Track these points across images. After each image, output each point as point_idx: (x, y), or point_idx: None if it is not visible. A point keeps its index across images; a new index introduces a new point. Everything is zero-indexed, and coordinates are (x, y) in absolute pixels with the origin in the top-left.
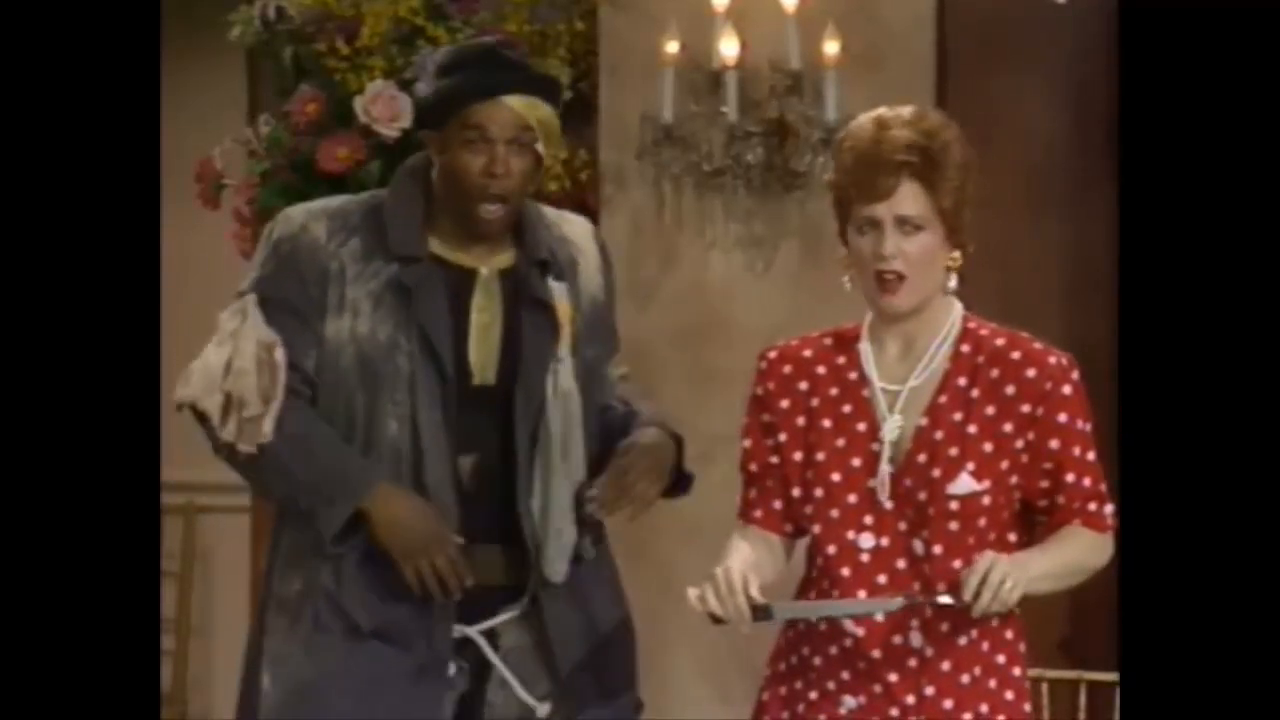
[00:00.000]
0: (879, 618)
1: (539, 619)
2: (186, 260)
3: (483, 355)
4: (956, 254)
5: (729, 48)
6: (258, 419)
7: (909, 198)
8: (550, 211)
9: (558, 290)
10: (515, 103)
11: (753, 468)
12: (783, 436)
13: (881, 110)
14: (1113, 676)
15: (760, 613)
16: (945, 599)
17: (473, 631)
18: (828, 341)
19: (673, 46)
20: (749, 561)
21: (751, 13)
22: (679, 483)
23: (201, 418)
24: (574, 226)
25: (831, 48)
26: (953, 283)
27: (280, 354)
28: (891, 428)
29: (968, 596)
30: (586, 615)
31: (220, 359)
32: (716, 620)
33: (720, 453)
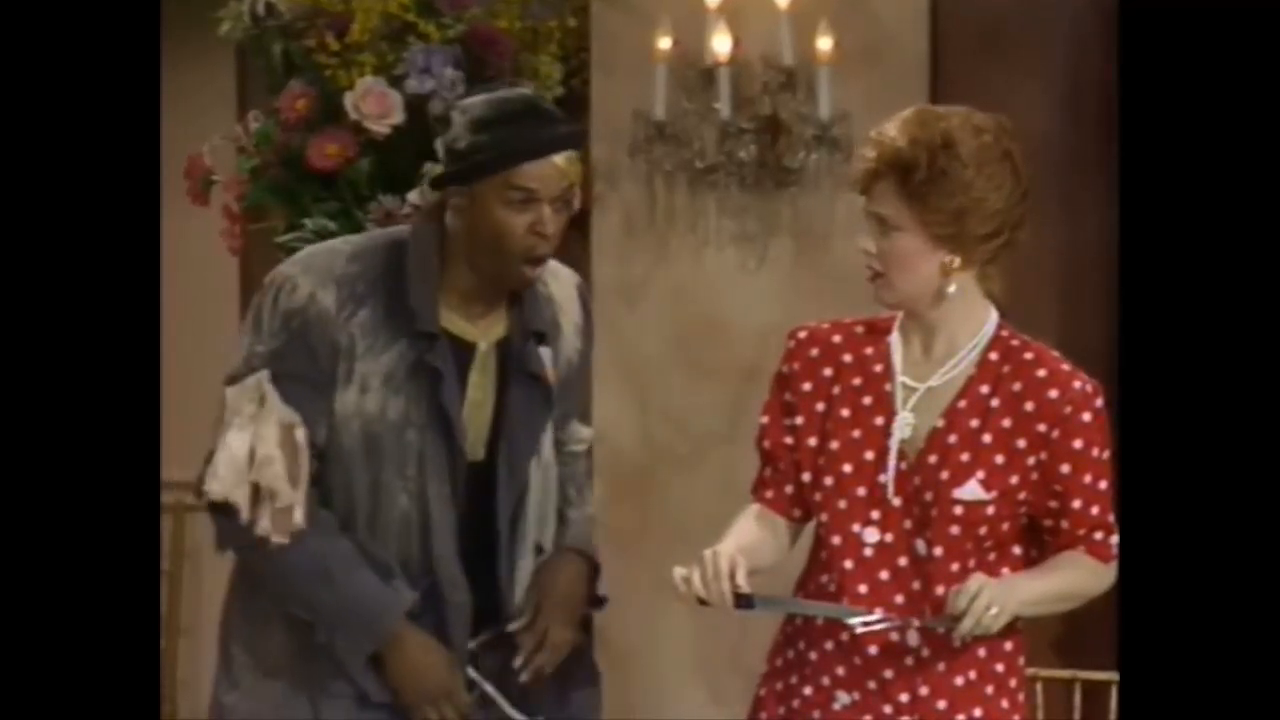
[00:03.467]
0: (857, 627)
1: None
2: (176, 256)
3: (475, 431)
4: (955, 260)
5: (722, 44)
6: (289, 509)
7: (879, 198)
8: None
9: (546, 357)
10: (560, 161)
11: (767, 445)
12: (800, 420)
13: (924, 105)
14: (1107, 675)
15: (743, 601)
16: (931, 623)
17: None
18: (859, 330)
19: (665, 43)
20: (747, 544)
21: (744, 9)
22: (595, 600)
23: (226, 510)
24: (560, 284)
25: (825, 44)
26: (951, 288)
27: (301, 434)
28: (902, 424)
29: (953, 614)
30: None
31: (243, 447)
32: (701, 602)
33: (712, 452)
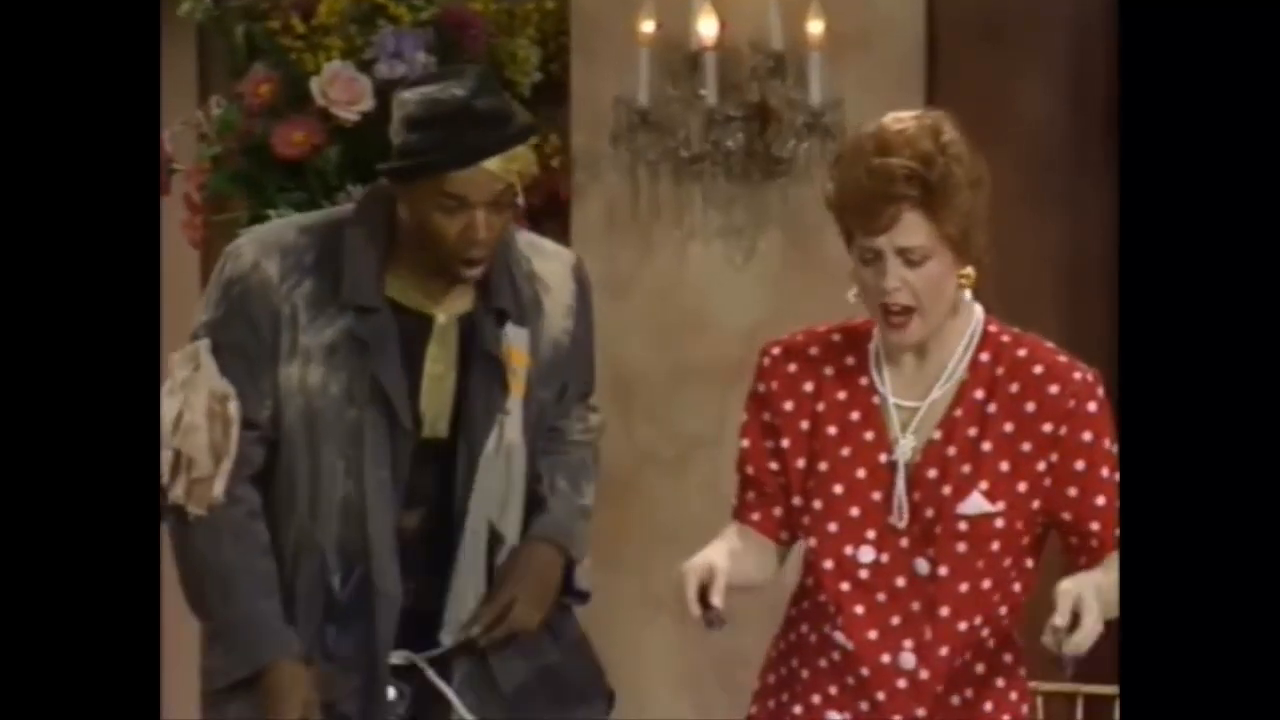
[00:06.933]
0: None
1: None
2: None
3: (435, 407)
4: (969, 270)
5: (707, 27)
6: (208, 480)
7: (910, 229)
8: (525, 243)
9: (516, 337)
10: (493, 165)
11: (750, 470)
12: (785, 442)
13: (884, 122)
14: (1110, 689)
15: (713, 620)
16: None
17: (418, 658)
18: (836, 338)
19: (648, 26)
20: (730, 555)
21: None
22: (574, 593)
23: None
24: (549, 261)
25: (815, 28)
26: (967, 297)
27: (234, 407)
28: (905, 449)
29: (1061, 627)
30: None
31: (171, 411)
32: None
33: (698, 455)
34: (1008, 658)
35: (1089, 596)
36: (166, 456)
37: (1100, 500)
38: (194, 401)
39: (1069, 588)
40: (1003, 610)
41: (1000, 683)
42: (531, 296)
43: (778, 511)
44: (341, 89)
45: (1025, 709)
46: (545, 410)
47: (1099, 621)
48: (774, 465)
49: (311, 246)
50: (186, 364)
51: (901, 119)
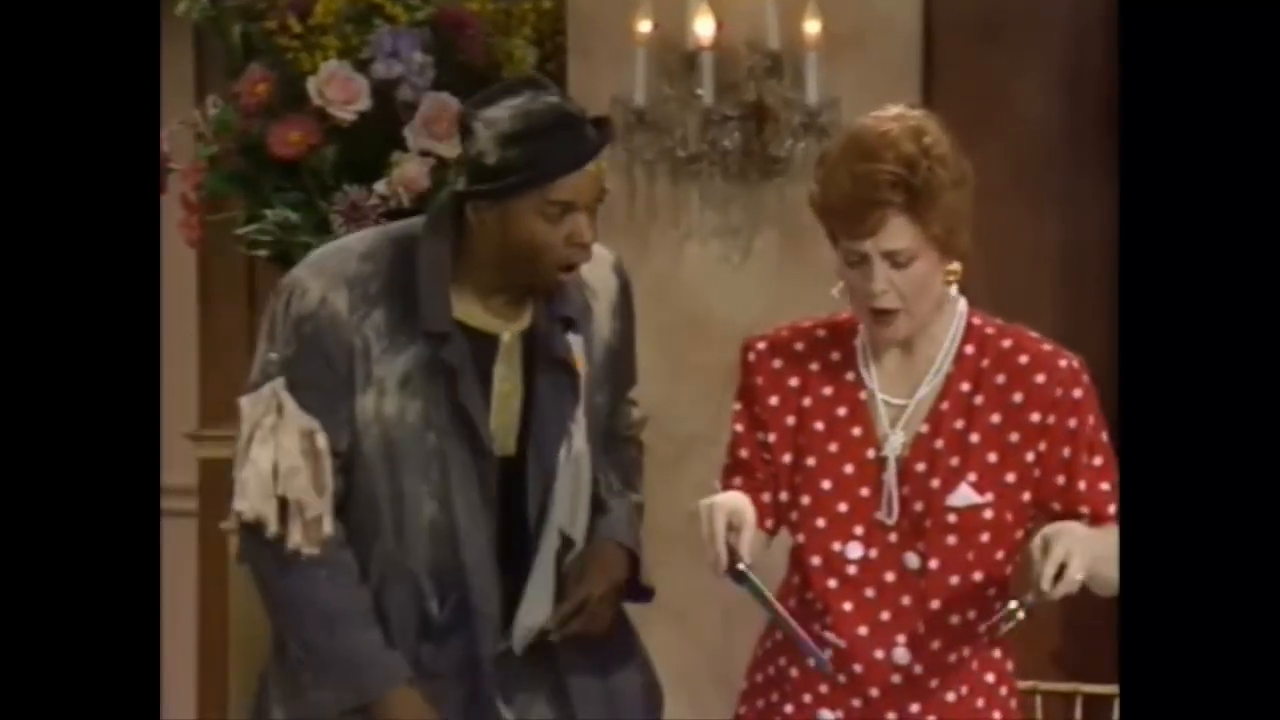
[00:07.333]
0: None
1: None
2: None
3: (504, 425)
4: (955, 265)
5: (704, 27)
6: (319, 518)
7: (895, 233)
8: None
9: (575, 344)
10: (593, 166)
11: (743, 454)
12: (772, 436)
13: (866, 124)
14: (1109, 689)
15: (736, 573)
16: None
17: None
18: (821, 333)
19: (645, 26)
20: (747, 508)
21: None
22: (636, 593)
23: (255, 527)
24: (592, 265)
25: (812, 27)
26: (953, 292)
27: (323, 440)
28: (895, 444)
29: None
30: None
31: (267, 461)
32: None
33: (696, 453)
34: (996, 653)
35: (1051, 531)
36: (271, 506)
37: (1082, 485)
38: (286, 444)
39: (1035, 540)
40: (996, 605)
41: (990, 678)
42: (582, 303)
43: (765, 498)
44: (338, 89)
45: (1014, 704)
46: (600, 413)
47: (1070, 551)
48: (766, 456)
49: (376, 275)
50: (268, 411)
51: (884, 120)
